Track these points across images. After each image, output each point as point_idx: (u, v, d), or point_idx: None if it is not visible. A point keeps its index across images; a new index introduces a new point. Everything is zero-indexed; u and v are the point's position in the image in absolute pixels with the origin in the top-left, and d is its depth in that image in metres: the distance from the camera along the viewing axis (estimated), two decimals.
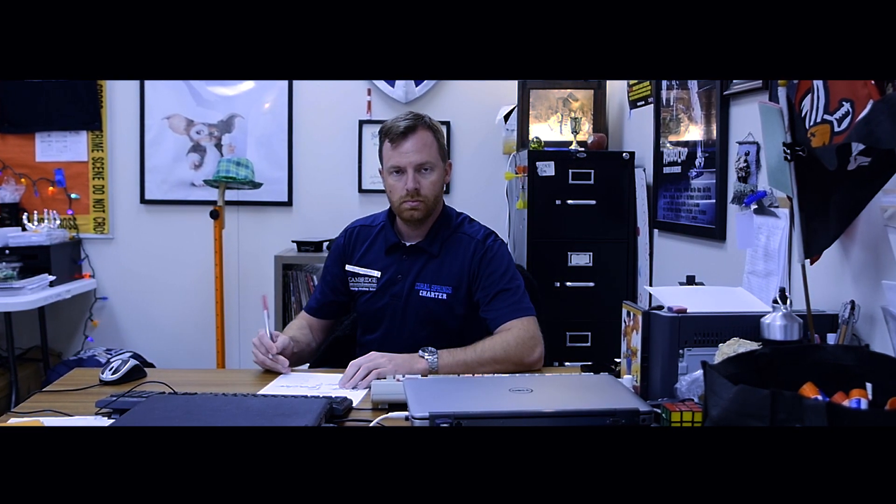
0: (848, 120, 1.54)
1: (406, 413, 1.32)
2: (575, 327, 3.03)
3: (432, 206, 1.90)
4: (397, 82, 3.70)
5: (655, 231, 2.90)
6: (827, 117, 1.62)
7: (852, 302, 1.48)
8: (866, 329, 1.50)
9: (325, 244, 3.45)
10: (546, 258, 3.02)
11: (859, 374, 1.08)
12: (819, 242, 1.46)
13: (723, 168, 2.27)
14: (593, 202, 3.02)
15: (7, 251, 3.21)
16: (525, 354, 1.77)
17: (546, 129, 3.35)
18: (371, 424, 1.35)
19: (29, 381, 3.40)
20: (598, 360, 1.77)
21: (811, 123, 1.66)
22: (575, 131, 3.16)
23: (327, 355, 2.04)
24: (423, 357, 1.70)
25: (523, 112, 3.35)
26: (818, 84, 1.65)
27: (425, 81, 3.70)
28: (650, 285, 2.90)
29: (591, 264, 3.03)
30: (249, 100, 3.70)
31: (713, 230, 2.32)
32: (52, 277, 3.27)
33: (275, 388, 1.63)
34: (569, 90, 3.36)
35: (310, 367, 1.98)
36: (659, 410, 1.31)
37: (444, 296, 1.89)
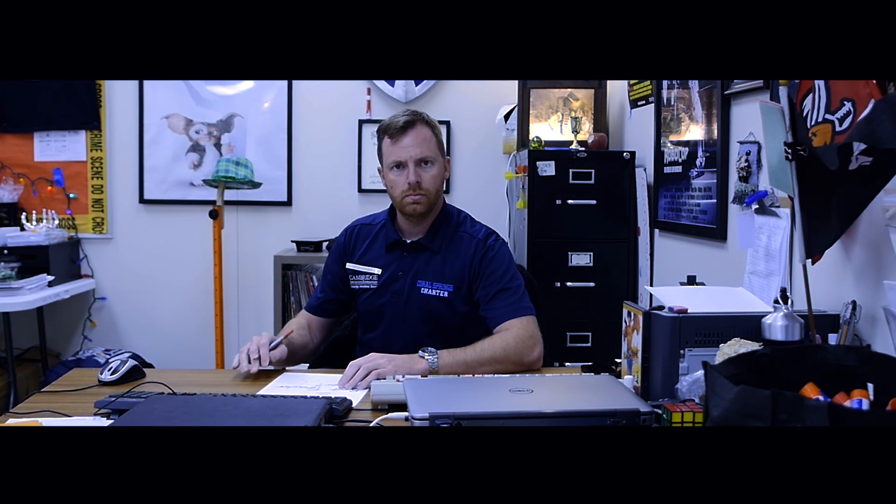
0: (849, 119, 1.53)
1: (406, 413, 1.32)
2: (575, 327, 3.03)
3: (434, 200, 1.90)
4: (397, 82, 3.70)
5: (656, 231, 2.89)
6: (828, 117, 1.61)
7: (854, 302, 1.47)
8: (868, 329, 1.49)
9: (325, 244, 3.44)
10: (546, 258, 3.02)
11: (861, 374, 1.07)
12: (820, 242, 1.46)
13: (724, 168, 2.27)
14: (594, 202, 3.02)
15: (5, 251, 3.21)
16: (525, 354, 1.77)
17: (546, 129, 3.35)
18: (371, 425, 1.35)
19: (27, 382, 3.40)
20: (599, 361, 1.77)
21: (812, 123, 1.66)
22: (575, 131, 3.16)
23: (327, 355, 2.03)
24: (423, 357, 1.70)
25: (523, 111, 3.34)
26: (819, 83, 1.65)
27: (425, 81, 3.70)
28: (651, 285, 2.89)
29: (591, 264, 3.03)
30: (249, 99, 3.70)
31: (714, 230, 2.32)
32: (50, 277, 3.27)
33: (274, 388, 1.63)
34: (569, 90, 3.35)
35: (310, 368, 1.98)
36: (660, 411, 1.30)
37: (446, 293, 1.89)
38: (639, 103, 3.10)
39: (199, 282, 3.70)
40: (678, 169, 2.61)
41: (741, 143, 2.14)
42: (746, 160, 2.10)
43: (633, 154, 3.03)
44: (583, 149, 3.08)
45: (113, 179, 3.72)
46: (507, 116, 3.49)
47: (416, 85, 3.70)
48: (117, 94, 3.69)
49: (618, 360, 1.61)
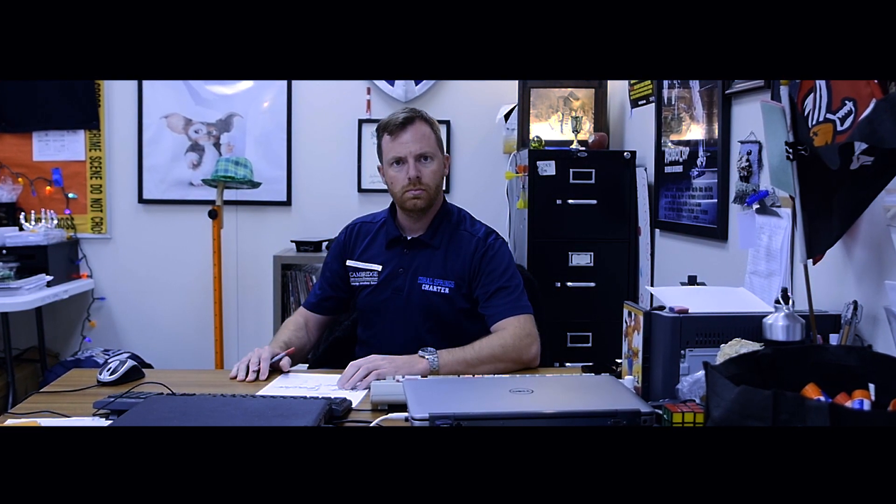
0: (851, 119, 1.53)
1: (406, 414, 1.31)
2: (576, 328, 3.02)
3: (434, 195, 1.92)
4: (397, 81, 3.70)
5: (657, 231, 2.89)
6: (829, 116, 1.61)
7: (855, 302, 1.47)
8: (869, 329, 1.49)
9: (325, 244, 3.44)
10: (547, 258, 3.01)
11: (862, 374, 1.07)
12: (821, 242, 1.45)
13: (724, 167, 2.27)
14: (594, 202, 3.01)
15: (4, 251, 3.20)
16: (523, 351, 1.79)
17: (547, 129, 3.34)
18: (370, 425, 1.34)
19: (26, 382, 3.39)
20: (599, 361, 1.77)
21: (814, 122, 1.66)
22: (576, 130, 3.15)
23: (327, 356, 2.03)
24: (423, 357, 1.70)
25: (524, 111, 3.34)
26: (821, 83, 1.65)
27: (425, 80, 3.69)
28: (651, 285, 2.89)
29: (591, 264, 3.02)
30: (248, 99, 3.69)
31: (715, 230, 2.31)
32: (49, 277, 3.26)
33: (274, 388, 1.62)
34: (570, 89, 3.35)
35: (309, 368, 1.98)
36: (660, 411, 1.30)
37: (447, 290, 1.91)
38: (639, 103, 3.09)
39: (199, 282, 3.69)
40: (679, 169, 2.61)
41: (742, 142, 2.14)
42: (747, 160, 2.09)
43: (633, 154, 3.03)
44: (583, 148, 3.07)
45: (112, 179, 3.71)
46: (507, 116, 3.49)
47: (416, 84, 3.70)
48: (116, 94, 3.68)
49: (618, 361, 1.61)
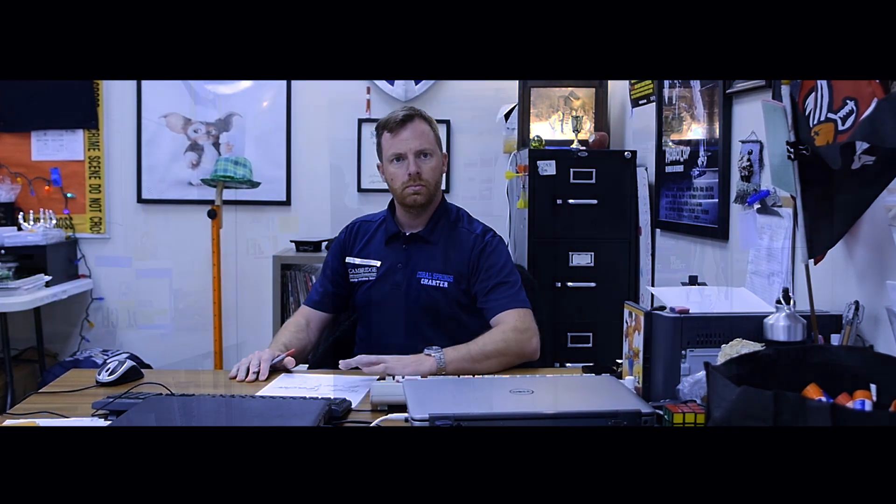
0: (852, 118, 1.53)
1: (405, 414, 1.31)
2: (576, 328, 3.02)
3: (433, 191, 1.95)
4: (397, 81, 3.69)
5: (657, 231, 2.89)
6: (831, 116, 1.61)
7: (856, 302, 1.47)
8: (870, 330, 1.49)
9: (324, 244, 3.44)
10: (547, 258, 3.01)
11: (863, 375, 1.07)
12: (823, 242, 1.45)
13: (725, 167, 2.26)
14: (595, 201, 3.00)
15: (3, 251, 3.19)
16: (524, 345, 1.82)
17: (547, 128, 3.34)
18: (370, 426, 1.34)
19: (25, 383, 3.38)
20: (600, 361, 1.76)
21: (815, 122, 1.65)
22: (576, 130, 3.15)
23: (328, 356, 2.03)
24: (429, 355, 1.72)
25: (524, 111, 3.33)
26: (822, 82, 1.64)
27: (425, 80, 3.69)
28: (652, 285, 2.89)
29: (592, 264, 3.02)
30: (247, 98, 3.69)
31: (716, 230, 2.31)
32: (47, 278, 3.25)
33: (273, 389, 1.62)
34: (570, 88, 3.34)
35: (310, 368, 1.97)
36: (661, 412, 1.29)
37: (446, 284, 1.93)
38: (640, 102, 3.09)
39: (198, 282, 3.69)
40: (680, 168, 2.60)
41: (743, 142, 2.14)
42: (748, 159, 2.09)
43: (634, 153, 3.02)
44: (584, 148, 3.07)
45: (111, 179, 3.71)
46: (507, 115, 3.48)
47: (416, 84, 3.70)
48: (115, 93, 3.67)
49: (619, 361, 1.60)
